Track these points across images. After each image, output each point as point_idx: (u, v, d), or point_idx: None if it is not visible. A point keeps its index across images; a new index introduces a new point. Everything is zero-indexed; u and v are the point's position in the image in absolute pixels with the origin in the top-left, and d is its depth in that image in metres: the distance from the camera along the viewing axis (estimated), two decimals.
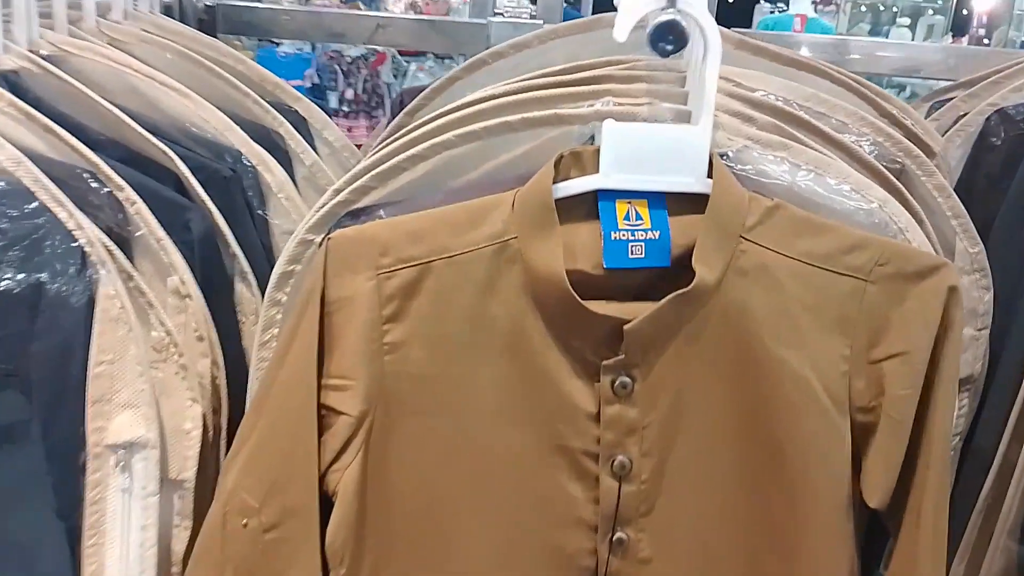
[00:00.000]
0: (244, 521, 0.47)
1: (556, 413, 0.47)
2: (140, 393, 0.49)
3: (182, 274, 0.51)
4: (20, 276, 0.48)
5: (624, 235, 0.46)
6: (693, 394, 0.47)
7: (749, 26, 2.86)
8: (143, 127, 0.58)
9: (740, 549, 0.51)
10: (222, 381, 0.54)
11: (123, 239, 0.52)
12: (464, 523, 0.49)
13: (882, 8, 3.95)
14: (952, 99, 0.72)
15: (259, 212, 0.64)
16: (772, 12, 3.53)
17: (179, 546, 0.52)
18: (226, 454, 0.53)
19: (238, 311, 0.61)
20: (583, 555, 0.49)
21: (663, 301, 0.45)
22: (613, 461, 0.47)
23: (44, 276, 0.48)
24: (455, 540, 0.49)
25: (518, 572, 0.50)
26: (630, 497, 0.48)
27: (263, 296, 0.53)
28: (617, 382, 0.46)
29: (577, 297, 0.44)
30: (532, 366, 0.47)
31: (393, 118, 0.69)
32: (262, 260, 0.63)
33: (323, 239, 0.47)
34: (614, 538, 0.49)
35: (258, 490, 0.47)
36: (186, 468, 0.51)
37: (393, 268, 0.46)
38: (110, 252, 0.49)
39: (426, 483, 0.49)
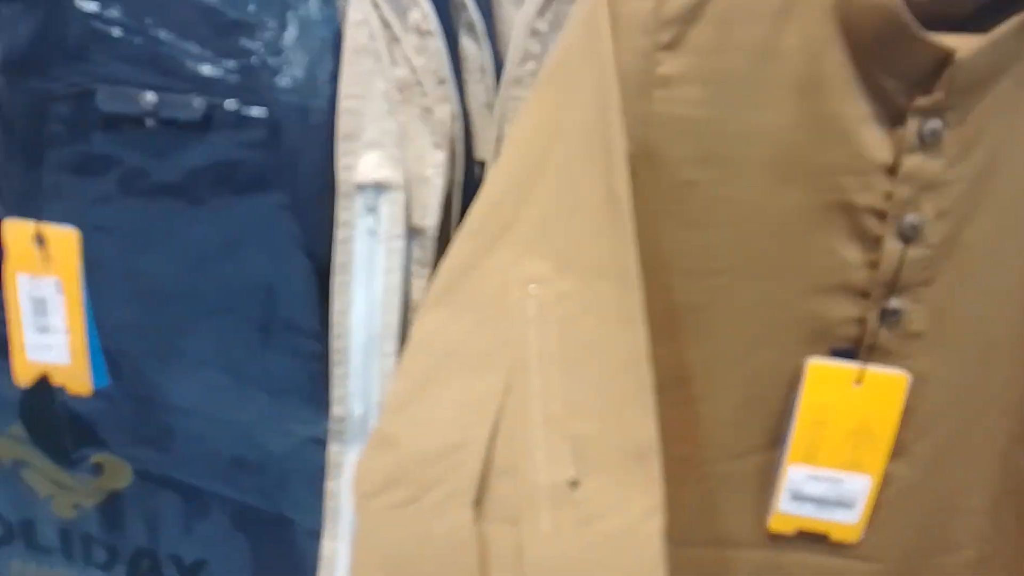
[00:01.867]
0: (533, 288, 0.38)
1: (844, 165, 0.42)
2: (387, 133, 0.47)
3: (425, 8, 0.48)
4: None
5: None
6: (1013, 155, 0.41)
7: None
8: None
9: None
10: (459, 131, 0.51)
11: None
12: (720, 289, 0.46)
13: None
14: None
15: None
16: None
17: (417, 293, 0.51)
18: (463, 208, 0.51)
19: (462, 67, 0.57)
20: (848, 324, 0.46)
21: (1003, 27, 0.38)
22: (902, 220, 0.43)
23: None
24: (708, 306, 0.46)
25: (773, 340, 0.47)
26: (914, 262, 0.44)
27: (490, 50, 0.50)
28: (926, 127, 0.40)
29: (906, 15, 0.38)
30: (823, 109, 0.41)
31: None
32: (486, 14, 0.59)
33: None
34: (887, 307, 0.45)
35: (552, 259, 0.38)
36: (427, 215, 0.50)
37: None
38: None
39: (682, 242, 0.45)
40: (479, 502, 0.33)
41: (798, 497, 0.50)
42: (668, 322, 0.47)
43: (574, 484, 0.33)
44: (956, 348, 0.46)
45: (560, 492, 0.33)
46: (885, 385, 0.46)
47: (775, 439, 0.49)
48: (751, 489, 0.51)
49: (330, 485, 0.54)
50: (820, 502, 0.50)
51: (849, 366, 0.46)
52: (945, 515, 0.51)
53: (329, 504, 0.55)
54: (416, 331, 0.39)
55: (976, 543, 0.52)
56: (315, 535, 0.57)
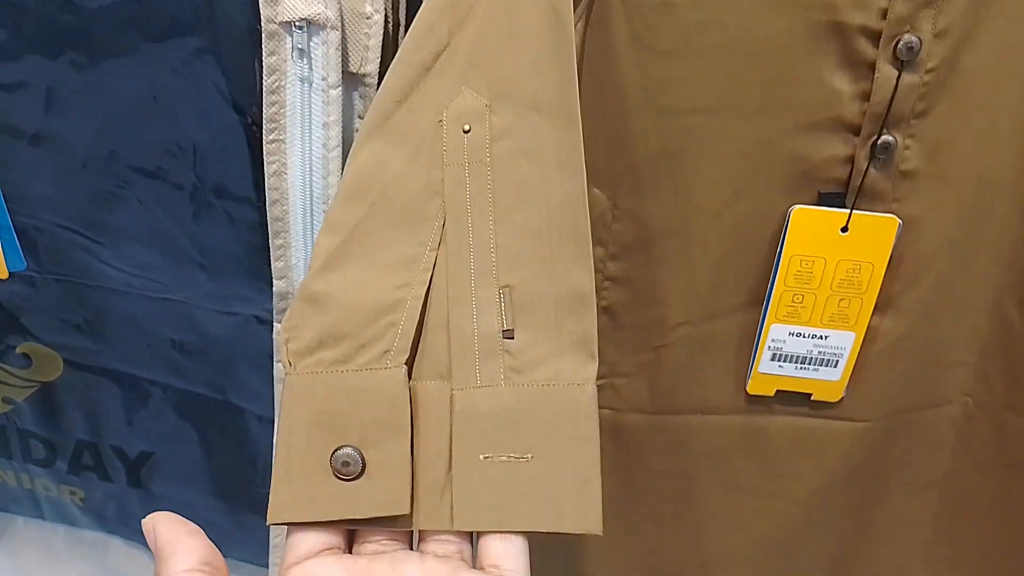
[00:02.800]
0: (465, 126, 0.34)
1: None
2: None
3: None
4: None
5: None
6: None
7: None
8: None
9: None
10: None
11: None
12: (698, 130, 0.41)
13: None
14: None
15: None
16: None
17: None
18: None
19: None
20: (835, 164, 0.42)
21: None
22: (897, 42, 0.38)
23: None
24: (685, 151, 0.42)
25: (756, 187, 0.43)
26: (908, 90, 0.39)
27: None
28: None
29: None
30: None
31: None
32: None
33: None
34: (878, 141, 0.41)
35: (487, 90, 0.34)
36: (368, 60, 0.44)
37: None
38: None
39: (655, 77, 0.41)
40: (414, 360, 0.32)
41: (779, 357, 0.47)
42: (641, 171, 0.43)
43: (507, 334, 0.32)
44: (950, 188, 0.42)
45: (492, 343, 0.32)
46: (873, 230, 0.43)
47: (756, 298, 0.46)
48: (731, 352, 0.47)
49: (279, 367, 0.50)
50: (802, 360, 0.47)
51: (836, 211, 0.43)
52: (931, 369, 0.49)
53: (279, 388, 0.51)
54: (349, 170, 0.35)
55: (961, 398, 0.50)
56: (268, 422, 0.54)
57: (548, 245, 0.32)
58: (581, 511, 0.30)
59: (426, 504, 0.31)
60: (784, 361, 0.47)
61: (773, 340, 0.46)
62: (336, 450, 0.30)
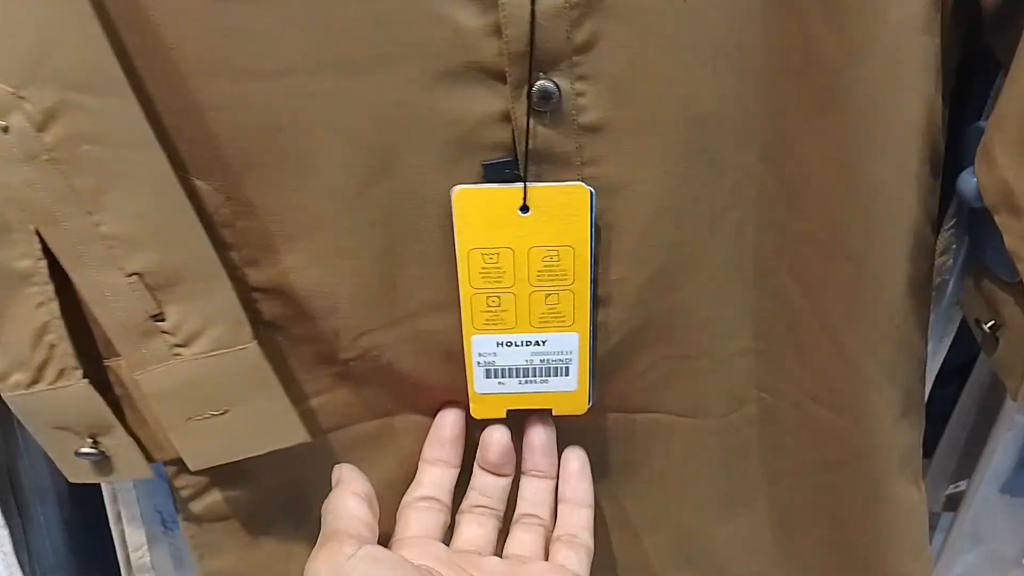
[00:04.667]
0: (1, 123, 0.29)
1: None
2: None
3: None
4: None
5: None
6: None
7: None
8: None
9: (749, 119, 0.33)
10: None
11: None
12: (299, 96, 0.31)
13: None
14: None
15: None
16: None
17: None
18: None
19: None
20: (492, 124, 0.31)
21: None
22: None
23: None
24: (292, 125, 0.31)
25: (399, 161, 0.32)
26: (553, 16, 0.29)
27: None
28: None
29: None
30: None
31: None
32: None
33: None
34: (533, 89, 0.30)
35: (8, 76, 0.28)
36: None
37: None
38: None
39: (227, 31, 0.30)
40: (86, 368, 0.33)
41: (495, 373, 0.37)
42: (249, 153, 0.32)
43: (157, 318, 0.32)
44: (654, 138, 0.32)
45: (147, 327, 0.32)
46: (561, 205, 0.33)
47: (446, 298, 0.35)
48: (437, 363, 0.37)
49: None
50: (524, 374, 0.37)
51: (507, 187, 0.32)
52: (701, 370, 0.39)
53: None
54: None
55: (756, 394, 0.40)
56: None
57: (157, 224, 0.31)
58: (284, 432, 0.35)
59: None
60: (503, 377, 0.37)
61: (480, 354, 0.36)
62: (78, 448, 0.35)
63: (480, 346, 0.36)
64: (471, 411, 0.38)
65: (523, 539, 0.37)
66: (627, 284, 0.35)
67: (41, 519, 0.44)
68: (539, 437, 0.38)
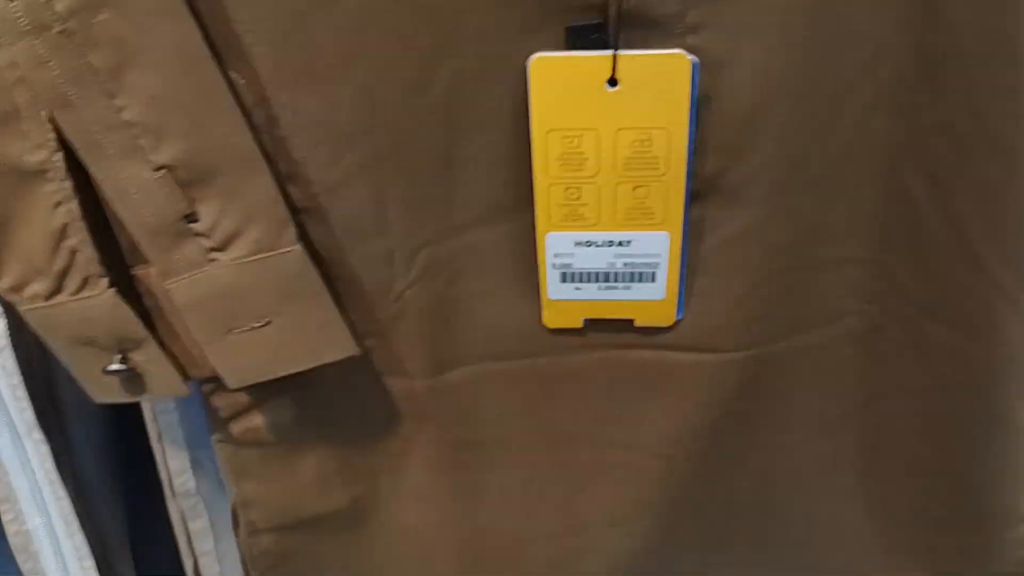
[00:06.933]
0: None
1: None
2: None
3: None
4: None
5: None
6: None
7: None
8: None
9: None
10: None
11: None
12: None
13: None
14: None
15: None
16: None
17: None
18: None
19: None
20: None
21: None
22: None
23: None
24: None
25: (466, 38, 0.28)
26: None
27: None
28: None
29: None
30: None
31: None
32: None
33: None
34: None
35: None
36: None
37: None
38: None
39: None
40: (113, 276, 0.30)
41: (571, 277, 0.33)
42: (282, 39, 0.28)
43: (190, 218, 0.29)
44: (775, 2, 0.27)
45: (178, 228, 0.29)
46: (657, 78, 0.28)
47: (520, 195, 0.31)
48: (507, 274, 0.34)
49: None
50: (605, 278, 0.33)
51: (595, 55, 0.28)
52: (805, 274, 0.34)
53: None
54: None
55: (860, 306, 0.36)
56: None
57: (188, 108, 0.27)
58: (332, 345, 0.32)
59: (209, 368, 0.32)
60: (580, 281, 0.33)
61: (556, 255, 0.32)
62: (106, 366, 0.32)
63: (556, 245, 0.32)
64: (543, 319, 0.34)
65: None
66: (728, 176, 0.30)
67: (83, 435, 0.42)
68: None
